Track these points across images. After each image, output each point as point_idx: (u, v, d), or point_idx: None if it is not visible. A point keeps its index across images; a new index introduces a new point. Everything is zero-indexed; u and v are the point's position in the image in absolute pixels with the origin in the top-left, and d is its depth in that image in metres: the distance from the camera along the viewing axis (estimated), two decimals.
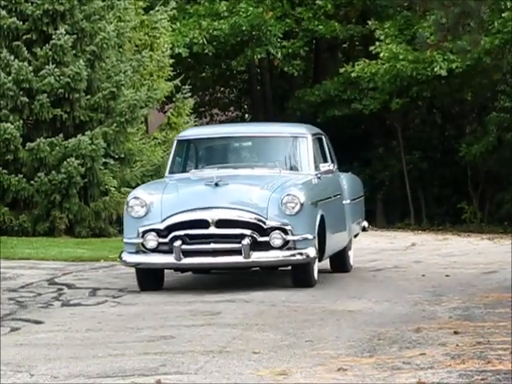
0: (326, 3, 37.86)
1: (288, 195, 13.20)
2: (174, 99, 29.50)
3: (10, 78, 24.16)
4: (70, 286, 16.06)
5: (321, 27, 37.97)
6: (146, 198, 13.55)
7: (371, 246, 24.58)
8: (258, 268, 14.53)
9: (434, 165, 37.95)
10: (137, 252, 13.32)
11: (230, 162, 15.41)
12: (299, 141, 15.33)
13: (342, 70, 37.23)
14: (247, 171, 14.70)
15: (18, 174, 24.04)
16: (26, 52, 24.50)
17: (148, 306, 13.27)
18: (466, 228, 32.94)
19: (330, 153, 16.34)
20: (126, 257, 13.50)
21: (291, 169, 14.95)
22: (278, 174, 14.53)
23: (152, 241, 13.12)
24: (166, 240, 13.15)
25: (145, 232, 13.25)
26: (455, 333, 11.47)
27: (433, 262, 20.74)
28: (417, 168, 37.92)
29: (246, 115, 44.63)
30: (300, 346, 10.48)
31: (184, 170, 15.10)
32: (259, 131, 17.40)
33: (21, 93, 24.27)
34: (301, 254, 13.07)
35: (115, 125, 25.01)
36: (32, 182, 23.83)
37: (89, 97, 24.71)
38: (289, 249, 13.05)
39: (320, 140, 16.01)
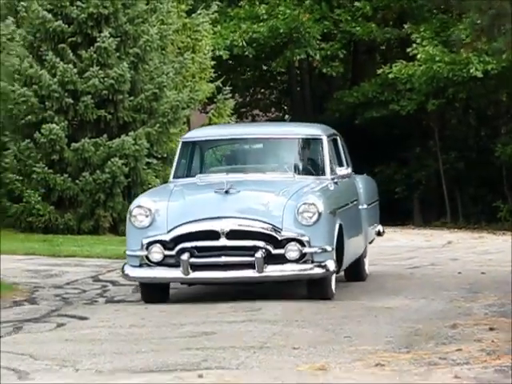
0: (365, 5, 37.92)
1: (305, 204, 12.17)
2: (215, 100, 29.59)
3: (55, 79, 24.31)
4: (114, 283, 16.11)
5: (359, 29, 38.01)
6: (151, 207, 12.46)
7: (408, 244, 24.53)
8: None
9: (470, 165, 37.68)
10: (140, 265, 12.32)
11: (240, 165, 14.39)
12: (314, 142, 14.32)
13: (379, 72, 37.19)
14: (258, 176, 13.62)
15: (63, 173, 24.15)
16: (71, 54, 24.58)
17: (190, 303, 13.14)
18: (501, 226, 32.71)
19: (345, 155, 15.25)
20: (129, 271, 12.53)
21: (306, 173, 13.85)
22: (291, 179, 13.56)
23: (157, 253, 12.10)
24: (173, 252, 12.11)
25: (149, 244, 12.21)
26: (491, 329, 11.41)
27: (469, 260, 20.65)
28: (453, 168, 37.78)
29: (286, 116, 44.56)
30: (338, 342, 10.40)
31: (189, 175, 13.95)
32: (271, 132, 16.03)
33: (66, 94, 24.39)
34: (319, 266, 12.06)
35: (158, 125, 25.06)
36: (77, 181, 23.93)
37: (132, 98, 24.78)
38: (306, 262, 12.06)
39: (335, 141, 14.93)
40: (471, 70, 34.14)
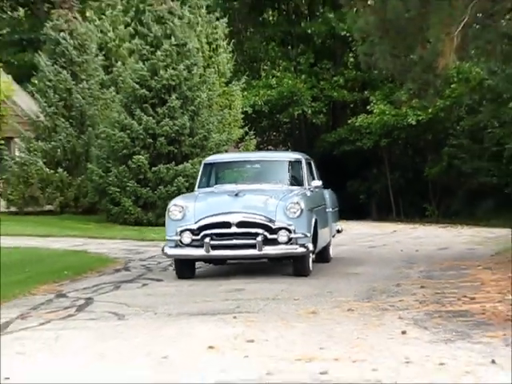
0: (339, 79, 37.82)
1: (291, 203, 12.07)
2: (243, 140, 29.60)
3: (141, 127, 24.28)
4: None
5: (336, 94, 37.87)
6: (183, 205, 12.35)
7: (368, 232, 24.48)
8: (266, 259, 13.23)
9: (408, 181, 37.37)
10: (175, 246, 12.17)
11: (244, 179, 14.17)
12: (296, 164, 14.09)
13: (349, 121, 37.01)
14: (258, 186, 13.39)
15: (146, 187, 24.12)
16: (151, 111, 24.53)
17: (216, 278, 13.04)
18: (428, 220, 32.29)
19: (316, 173, 14.99)
20: (167, 250, 12.37)
21: (290, 184, 13.65)
22: (281, 188, 13.35)
23: (187, 238, 11.97)
24: (198, 237, 11.93)
25: (182, 231, 11.97)
26: (421, 287, 11.45)
27: (407, 242, 20.62)
28: (397, 183, 37.41)
29: (289, 149, 44.43)
30: (323, 295, 10.54)
31: (208, 185, 13.74)
32: (265, 157, 16.00)
33: (148, 136, 24.31)
34: (302, 247, 11.92)
35: (207, 156, 24.80)
36: (155, 192, 23.83)
37: (190, 139, 24.62)
38: (292, 243, 11.91)
39: (310, 163, 14.68)
40: (408, 120, 34.01)
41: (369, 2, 17.61)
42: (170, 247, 12.24)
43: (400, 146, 38.76)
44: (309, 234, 12.10)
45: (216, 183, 13.81)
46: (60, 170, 26.86)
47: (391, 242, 20.70)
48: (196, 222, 11.96)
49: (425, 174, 36.18)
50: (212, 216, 12.02)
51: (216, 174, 14.09)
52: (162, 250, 12.67)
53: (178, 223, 12.10)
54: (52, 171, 26.77)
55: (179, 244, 12.05)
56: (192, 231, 11.94)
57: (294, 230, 11.81)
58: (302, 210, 11.91)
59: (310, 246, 12.05)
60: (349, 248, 18.35)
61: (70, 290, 11.57)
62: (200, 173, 14.11)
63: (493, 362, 6.69)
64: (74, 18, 28.01)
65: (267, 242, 11.72)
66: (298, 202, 12.04)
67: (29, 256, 15.92)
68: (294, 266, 12.36)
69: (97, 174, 24.99)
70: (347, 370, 6.22)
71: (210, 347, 7.11)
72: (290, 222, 11.85)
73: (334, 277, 12.73)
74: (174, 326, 8.52)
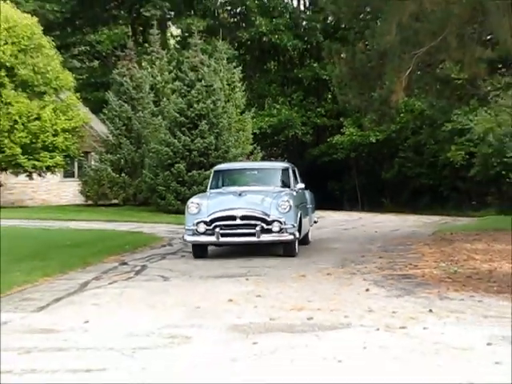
0: (321, 110, 37.88)
1: (282, 201, 11.55)
2: (253, 153, 29.29)
3: (180, 144, 24.08)
4: None
5: (319, 121, 37.83)
6: (198, 202, 11.69)
7: (341, 218, 24.34)
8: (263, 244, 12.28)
9: (370, 182, 37.26)
10: (193, 234, 11.48)
11: (244, 183, 13.25)
12: (284, 171, 13.41)
13: (328, 140, 36.94)
14: (255, 188, 12.66)
15: (184, 186, 23.78)
16: (187, 132, 24.23)
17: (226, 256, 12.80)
18: (385, 210, 31.75)
19: (299, 178, 14.10)
20: (186, 237, 11.65)
21: (280, 186, 12.89)
22: (273, 189, 12.58)
23: (202, 228, 11.34)
24: (210, 227, 11.27)
25: (197, 223, 11.37)
26: (380, 257, 11.44)
27: (370, 225, 20.47)
28: (362, 184, 37.41)
29: (286, 160, 44.29)
30: (310, 264, 10.53)
31: (217, 187, 12.89)
32: (260, 165, 15.50)
33: (185, 151, 24.10)
34: (291, 235, 11.37)
35: None
36: (190, 189, 23.35)
37: (215, 152, 24.31)
38: (283, 232, 11.34)
39: (294, 170, 13.91)
40: (370, 139, 34.03)
41: (342, 55, 17.56)
42: (189, 235, 11.61)
43: (364, 157, 38.43)
44: (295, 225, 11.61)
45: (223, 185, 13.09)
46: (123, 174, 26.77)
47: (358, 226, 20.55)
48: (209, 216, 11.39)
49: (382, 177, 36.08)
50: (221, 211, 11.48)
51: (223, 179, 13.37)
52: (182, 237, 12.06)
53: (194, 216, 11.51)
54: (117, 175, 26.69)
55: (195, 232, 11.45)
56: (205, 222, 11.37)
57: (285, 222, 11.34)
58: (290, 207, 11.46)
59: (297, 234, 11.57)
60: (328, 230, 18.14)
61: (130, 259, 11.62)
62: (211, 177, 13.38)
63: (430, 311, 6.78)
64: (133, 66, 28.00)
65: (264, 231, 11.22)
66: (287, 200, 11.58)
67: (101, 235, 16.00)
68: (284, 249, 11.79)
69: (149, 177, 24.92)
70: (327, 317, 6.29)
71: (230, 300, 7.15)
72: (281, 215, 11.36)
73: (317, 251, 12.62)
74: (203, 285, 8.52)
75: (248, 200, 11.73)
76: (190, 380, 4.46)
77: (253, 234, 11.19)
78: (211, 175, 13.46)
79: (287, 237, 11.36)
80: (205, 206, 11.56)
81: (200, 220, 11.37)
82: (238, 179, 13.41)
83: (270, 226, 11.25)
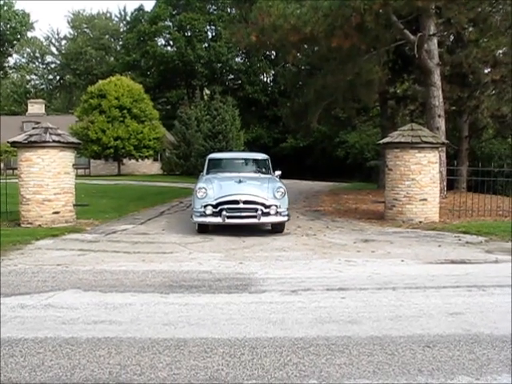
0: (277, 130, 38.61)
1: (278, 188, 9.45)
2: (244, 150, 29.47)
3: (208, 146, 26.07)
4: None
5: (276, 135, 38.37)
6: (206, 187, 9.33)
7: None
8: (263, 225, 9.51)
9: (301, 167, 35.94)
10: (201, 216, 9.08)
11: (234, 169, 10.72)
12: (265, 160, 11.06)
13: (280, 145, 37.39)
14: (245, 174, 10.25)
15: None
16: (211, 140, 26.59)
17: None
18: (307, 179, 28.13)
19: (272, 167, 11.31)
20: (196, 219, 9.10)
21: (263, 173, 10.60)
22: (261, 176, 10.37)
23: (209, 210, 9.04)
24: (217, 210, 9.04)
25: (205, 206, 9.09)
26: (303, 201, 13.01)
27: (298, 187, 20.09)
28: (295, 167, 36.04)
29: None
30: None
31: (211, 172, 10.46)
32: (246, 156, 12.14)
33: (210, 149, 25.38)
34: (285, 216, 9.20)
35: None
36: None
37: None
38: (278, 215, 9.20)
39: (269, 160, 11.39)
40: (300, 144, 35.03)
41: (288, 104, 19.27)
42: (196, 216, 9.18)
43: (296, 154, 37.65)
44: (288, 207, 9.63)
45: (216, 171, 10.57)
46: (181, 160, 30.07)
47: (293, 187, 18.86)
48: (215, 200, 9.17)
49: (305, 163, 35.22)
50: (226, 196, 9.24)
51: (214, 165, 11.08)
52: (191, 217, 9.38)
53: (202, 200, 9.26)
54: (178, 160, 30.22)
55: (203, 214, 9.15)
56: (212, 206, 9.16)
57: (280, 206, 9.36)
58: (285, 193, 9.59)
59: (289, 216, 9.52)
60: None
61: (184, 200, 12.62)
62: (206, 163, 10.92)
63: (327, 227, 7.94)
64: (187, 108, 32.24)
65: (263, 214, 9.22)
66: (282, 187, 9.70)
67: (170, 189, 17.15)
68: (275, 228, 9.43)
69: (194, 162, 27.72)
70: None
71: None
72: (277, 201, 9.39)
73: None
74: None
75: (249, 186, 9.66)
76: None
77: (254, 217, 9.14)
78: (206, 162, 10.98)
79: (282, 219, 9.35)
80: (211, 191, 9.33)
81: (207, 203, 9.15)
82: (227, 165, 11.04)
83: (268, 210, 9.28)
